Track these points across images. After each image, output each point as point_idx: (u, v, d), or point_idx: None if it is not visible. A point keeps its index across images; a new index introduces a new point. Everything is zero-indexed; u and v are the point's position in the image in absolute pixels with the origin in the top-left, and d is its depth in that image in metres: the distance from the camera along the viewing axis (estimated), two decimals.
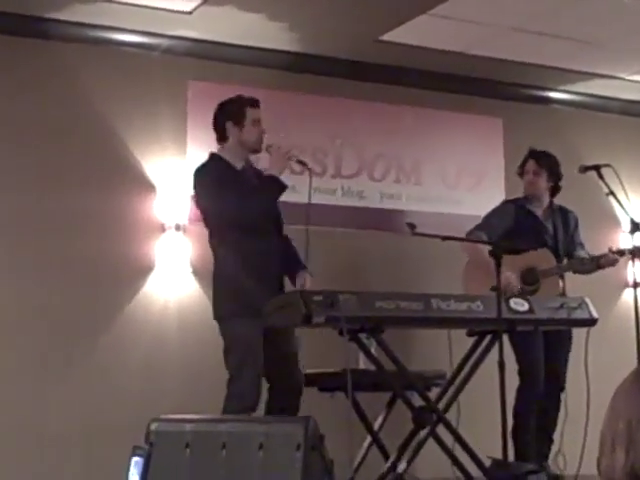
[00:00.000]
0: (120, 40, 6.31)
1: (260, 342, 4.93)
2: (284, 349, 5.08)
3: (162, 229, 6.26)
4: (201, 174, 5.17)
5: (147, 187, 6.28)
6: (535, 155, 6.10)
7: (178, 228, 6.25)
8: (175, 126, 6.39)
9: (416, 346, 6.52)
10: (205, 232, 5.81)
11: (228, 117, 5.18)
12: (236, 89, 6.22)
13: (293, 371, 5.07)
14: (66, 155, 6.10)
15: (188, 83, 6.48)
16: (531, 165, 6.08)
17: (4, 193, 5.90)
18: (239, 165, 5.17)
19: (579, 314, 5.06)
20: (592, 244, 6.26)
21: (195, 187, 5.19)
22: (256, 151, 5.21)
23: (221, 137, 5.24)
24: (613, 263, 5.88)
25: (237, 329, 4.97)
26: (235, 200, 4.93)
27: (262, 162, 5.53)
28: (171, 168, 6.33)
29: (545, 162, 6.05)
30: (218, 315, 5.09)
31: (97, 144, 6.18)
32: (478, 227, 5.95)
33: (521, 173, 6.17)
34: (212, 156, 5.26)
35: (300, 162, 5.29)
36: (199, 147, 6.38)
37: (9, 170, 5.94)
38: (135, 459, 1.97)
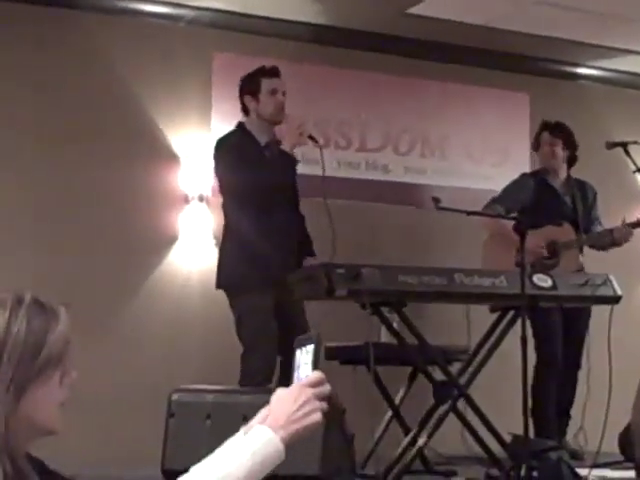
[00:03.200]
0: (145, 11, 6.29)
1: (271, 315, 4.92)
2: (295, 320, 5.05)
3: (186, 200, 6.26)
4: (222, 144, 5.16)
5: (171, 158, 6.28)
6: (548, 127, 6.07)
7: (202, 199, 6.25)
8: (200, 97, 6.38)
9: (437, 320, 6.50)
10: None
11: (245, 90, 5.17)
12: (261, 61, 6.20)
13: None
14: (91, 126, 6.10)
15: (213, 55, 6.46)
16: (546, 137, 6.04)
17: (29, 165, 5.91)
18: (263, 139, 5.14)
19: (603, 291, 5.03)
20: (616, 221, 6.20)
21: (214, 155, 5.18)
22: (276, 122, 5.15)
23: (244, 111, 5.22)
24: (627, 237, 5.77)
25: (249, 301, 4.95)
26: (250, 174, 4.90)
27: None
28: (195, 139, 6.33)
29: (559, 132, 6.01)
30: (227, 284, 5.05)
31: (122, 115, 6.18)
32: (495, 200, 5.90)
33: (536, 147, 6.13)
34: (238, 125, 5.25)
35: (311, 138, 5.18)
36: (223, 119, 6.38)
37: (35, 141, 5.95)
38: None
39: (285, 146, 5.03)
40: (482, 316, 5.08)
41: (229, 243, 5.13)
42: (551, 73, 7.45)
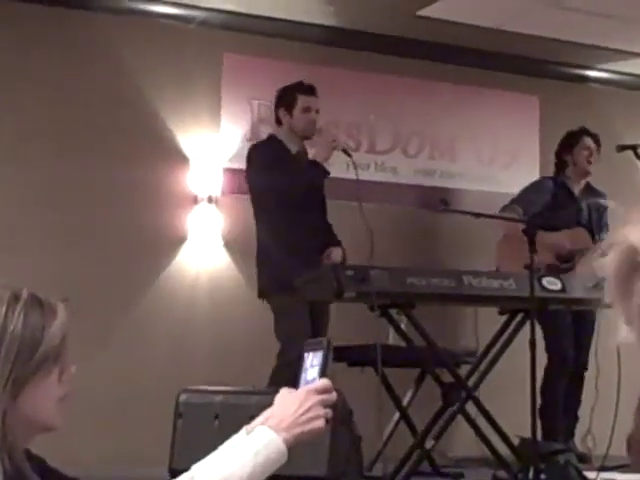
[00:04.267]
0: (156, 12, 6.30)
1: (305, 315, 5.01)
2: (319, 323, 5.14)
3: (195, 201, 6.27)
4: (254, 151, 5.33)
5: (181, 159, 6.28)
6: (592, 135, 6.11)
7: (210, 200, 6.26)
8: (209, 98, 6.39)
9: (445, 323, 6.49)
10: (237, 204, 5.85)
11: (280, 103, 5.35)
12: (272, 63, 6.24)
13: None
14: (100, 126, 6.11)
15: (223, 56, 6.46)
16: (589, 142, 6.09)
17: (39, 165, 5.92)
18: (294, 149, 5.28)
19: None
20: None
21: (247, 164, 5.33)
22: (306, 137, 5.32)
23: (277, 121, 5.39)
24: None
25: (283, 301, 5.08)
26: (282, 179, 5.05)
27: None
28: (205, 140, 6.33)
29: (598, 140, 6.07)
30: (265, 290, 5.20)
31: (132, 115, 6.19)
32: (514, 201, 5.94)
33: (569, 147, 6.11)
34: (270, 137, 5.43)
35: (345, 152, 5.34)
36: (233, 120, 6.40)
37: (45, 141, 5.96)
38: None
39: (318, 157, 5.15)
40: (491, 318, 5.08)
41: (262, 250, 5.28)
42: (561, 76, 7.44)
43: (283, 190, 5.10)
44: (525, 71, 7.28)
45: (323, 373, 1.86)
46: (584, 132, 6.17)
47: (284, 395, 1.85)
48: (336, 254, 5.27)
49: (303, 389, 1.84)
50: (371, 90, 6.86)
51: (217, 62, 6.43)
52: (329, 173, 5.30)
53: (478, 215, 4.97)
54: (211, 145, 6.32)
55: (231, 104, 6.41)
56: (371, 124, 6.86)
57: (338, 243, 5.44)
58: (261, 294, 5.30)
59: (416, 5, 6.27)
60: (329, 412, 1.84)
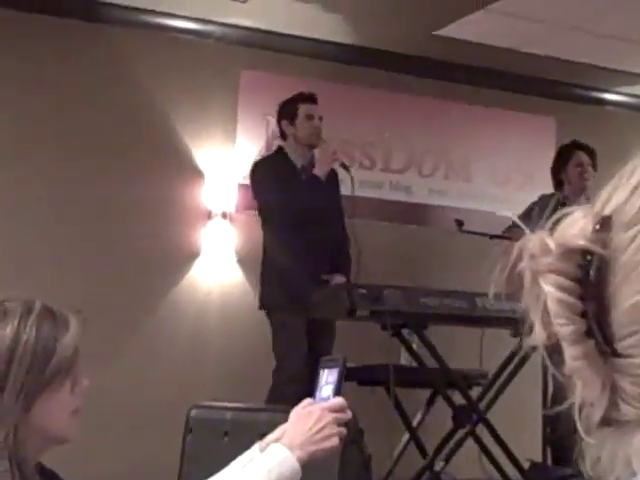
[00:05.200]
0: (174, 26, 6.31)
1: (303, 333, 4.98)
2: (321, 341, 5.12)
3: (209, 216, 6.27)
4: (258, 167, 5.37)
5: (196, 174, 6.29)
6: (584, 148, 5.99)
7: (225, 216, 6.26)
8: (226, 114, 6.39)
9: (457, 343, 6.46)
10: (251, 221, 5.85)
11: (283, 116, 5.35)
12: (288, 80, 6.24)
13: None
14: (116, 140, 6.12)
15: (240, 72, 6.47)
16: (583, 157, 5.95)
17: (52, 180, 5.92)
18: (300, 162, 5.27)
19: None
20: None
21: (251, 179, 5.38)
22: (312, 146, 5.30)
23: (282, 135, 5.40)
24: None
25: (282, 318, 5.09)
26: (285, 195, 5.04)
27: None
28: (220, 156, 6.34)
29: (593, 154, 5.96)
30: (264, 304, 5.17)
31: (148, 130, 6.20)
32: (515, 224, 5.87)
33: (563, 165, 6.03)
34: (277, 150, 5.45)
35: (343, 166, 5.34)
36: (249, 136, 6.40)
37: (60, 155, 5.97)
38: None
39: (317, 171, 5.14)
40: (499, 340, 5.06)
41: (266, 263, 5.31)
42: (578, 98, 7.43)
43: (283, 207, 5.10)
44: (542, 92, 7.27)
45: (338, 391, 1.86)
46: (576, 146, 6.04)
47: (299, 412, 1.84)
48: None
49: (318, 407, 1.83)
50: (386, 109, 6.86)
51: (234, 78, 6.44)
52: (337, 184, 5.36)
53: (493, 237, 4.96)
54: (226, 161, 6.32)
55: (247, 120, 6.42)
56: (386, 143, 6.85)
57: (346, 263, 5.39)
58: (262, 306, 5.32)
59: (433, 25, 6.28)
60: (343, 431, 1.83)
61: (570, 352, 0.83)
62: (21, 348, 1.65)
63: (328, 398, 1.86)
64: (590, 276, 0.82)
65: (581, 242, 0.82)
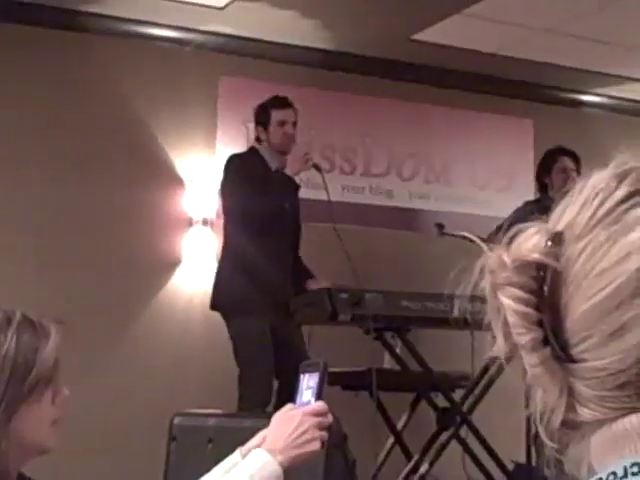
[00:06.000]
0: (153, 34, 6.31)
1: (267, 338, 4.93)
2: (292, 345, 5.07)
3: (190, 223, 6.26)
4: (232, 162, 5.27)
5: (176, 181, 6.28)
6: (569, 153, 5.99)
7: (205, 223, 6.26)
8: (205, 121, 6.39)
9: (440, 346, 6.48)
10: None
11: (257, 120, 5.29)
12: (267, 85, 6.23)
13: (296, 358, 5.05)
14: (96, 147, 6.11)
15: (220, 79, 6.47)
16: (567, 163, 5.92)
17: (33, 187, 5.91)
18: (274, 165, 5.20)
19: None
20: None
21: (224, 171, 5.27)
22: (283, 152, 5.23)
23: (257, 140, 5.34)
24: None
25: (245, 323, 4.99)
26: (256, 196, 4.98)
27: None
28: (200, 163, 6.34)
29: (577, 160, 5.97)
30: (223, 305, 5.10)
31: (127, 137, 6.19)
32: (499, 228, 5.88)
33: (547, 170, 6.04)
34: (250, 149, 5.36)
35: (315, 167, 5.30)
36: (229, 143, 6.40)
37: (40, 162, 5.96)
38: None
39: (289, 171, 5.10)
40: (487, 342, 5.07)
41: (227, 263, 5.20)
42: (555, 100, 7.47)
43: (256, 209, 5.02)
44: (519, 95, 7.30)
45: (319, 395, 1.86)
46: (560, 152, 6.02)
47: (280, 417, 1.84)
48: (315, 285, 5.18)
49: (299, 411, 1.84)
50: (366, 113, 6.87)
51: (213, 85, 6.44)
52: (299, 186, 5.28)
53: (473, 240, 4.97)
54: (206, 168, 6.32)
55: (227, 127, 6.43)
56: (366, 147, 6.86)
57: (308, 274, 5.35)
58: (216, 308, 5.20)
59: (410, 29, 6.30)
60: (325, 435, 1.84)
61: (529, 360, 0.89)
62: (1, 359, 1.65)
63: (309, 402, 1.86)
64: (544, 287, 0.87)
65: (535, 256, 0.88)
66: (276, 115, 5.22)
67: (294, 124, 5.26)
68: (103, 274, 5.99)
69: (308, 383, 1.90)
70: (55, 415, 1.75)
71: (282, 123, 5.21)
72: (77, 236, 5.98)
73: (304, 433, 1.80)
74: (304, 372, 1.92)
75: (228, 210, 5.25)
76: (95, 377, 5.68)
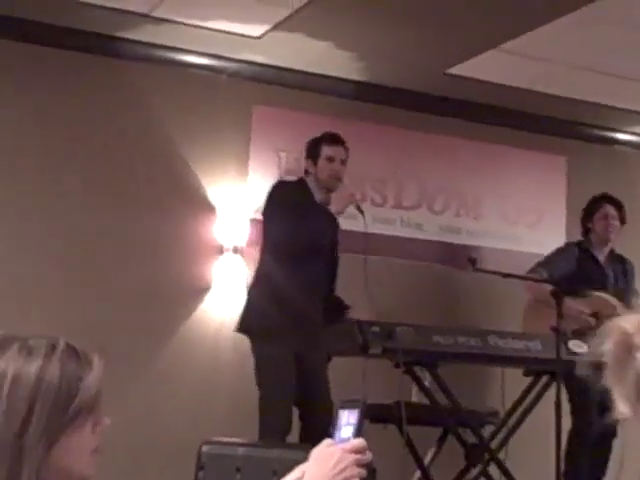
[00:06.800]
0: (188, 62, 6.34)
1: (290, 366, 4.92)
2: (314, 374, 5.07)
3: (220, 251, 6.26)
4: (279, 189, 5.31)
5: (207, 209, 6.29)
6: (612, 201, 6.10)
7: (236, 251, 6.26)
8: (238, 149, 6.41)
9: (469, 382, 6.44)
10: None
11: (307, 154, 5.32)
12: (300, 115, 6.26)
13: (324, 397, 5.05)
14: (128, 173, 6.13)
15: (253, 108, 6.49)
16: (610, 210, 6.06)
17: (65, 212, 5.93)
18: (319, 197, 5.22)
19: None
20: None
21: (268, 195, 5.30)
22: (329, 189, 5.24)
23: (305, 172, 5.36)
24: None
25: (270, 348, 4.98)
26: (296, 225, 4.99)
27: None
28: (232, 191, 6.34)
29: (620, 208, 6.06)
30: (249, 328, 5.11)
31: (161, 164, 6.21)
32: (540, 264, 5.90)
33: (590, 216, 6.11)
34: (299, 179, 5.38)
35: (358, 209, 5.29)
36: (261, 171, 6.42)
37: (72, 188, 5.97)
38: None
39: (333, 208, 5.11)
40: (518, 379, 5.04)
41: (258, 287, 5.20)
42: (589, 138, 7.45)
43: (295, 238, 5.03)
44: (553, 131, 7.29)
45: (359, 432, 1.85)
46: (604, 199, 6.14)
47: (319, 452, 1.83)
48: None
49: (338, 447, 1.82)
50: (399, 146, 6.88)
51: (246, 113, 6.46)
52: (338, 225, 5.29)
53: (507, 275, 4.95)
54: (238, 196, 6.33)
55: (259, 155, 6.44)
56: (398, 179, 6.86)
57: (343, 305, 5.33)
58: (243, 330, 5.20)
59: (446, 63, 6.30)
60: (363, 472, 1.82)
61: None
62: (45, 387, 1.64)
63: (348, 439, 1.85)
64: None
65: None
66: (326, 150, 5.24)
67: (342, 162, 5.26)
68: (133, 300, 5.99)
69: (348, 419, 1.89)
70: (95, 444, 1.74)
71: (331, 159, 5.23)
72: (108, 262, 5.99)
73: (344, 470, 1.79)
74: (344, 408, 1.91)
75: (266, 234, 5.27)
76: (124, 403, 5.67)
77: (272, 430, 4.84)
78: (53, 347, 1.70)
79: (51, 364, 1.67)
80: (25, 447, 1.61)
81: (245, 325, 5.18)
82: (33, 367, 1.65)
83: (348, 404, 1.92)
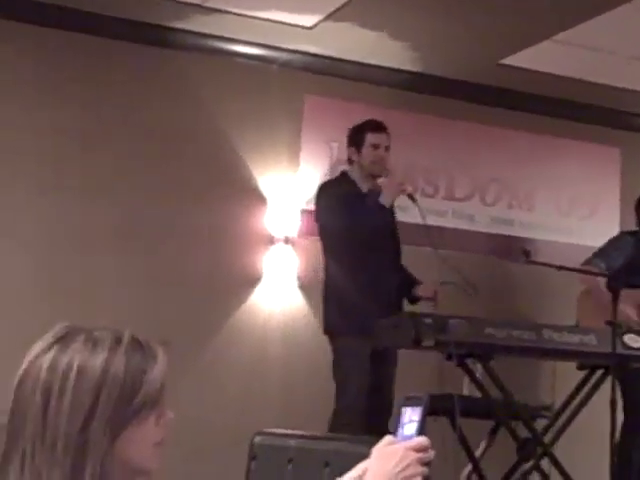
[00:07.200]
0: (239, 52, 6.34)
1: (366, 359, 4.96)
2: (383, 369, 5.10)
3: (271, 241, 6.26)
4: (324, 190, 5.34)
5: (258, 199, 6.29)
6: None
7: (287, 241, 6.25)
8: (289, 139, 6.40)
9: (519, 375, 6.39)
10: (313, 246, 5.83)
11: (350, 142, 5.34)
12: (352, 106, 6.24)
13: (382, 388, 5.08)
14: (180, 164, 6.14)
15: (304, 97, 6.48)
16: None
17: (121, 203, 5.95)
18: (365, 187, 5.23)
19: None
20: None
21: (316, 201, 5.34)
22: (375, 176, 5.25)
23: (349, 161, 5.38)
24: None
25: (345, 344, 5.05)
26: (350, 219, 5.00)
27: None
28: (283, 181, 6.34)
29: None
30: (328, 330, 5.15)
31: (212, 154, 6.22)
32: (596, 255, 5.82)
33: None
34: (341, 174, 5.41)
35: (410, 197, 5.25)
36: (312, 161, 6.41)
37: (124, 177, 6.00)
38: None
39: (383, 199, 5.09)
40: (570, 373, 4.99)
41: (330, 288, 5.25)
42: None
43: (350, 230, 5.06)
44: (607, 122, 7.20)
45: (421, 430, 1.83)
46: None
47: (382, 450, 1.81)
48: (424, 291, 5.24)
49: (402, 445, 1.80)
50: (451, 137, 6.83)
51: (298, 104, 6.45)
52: (394, 212, 5.33)
53: (560, 268, 4.89)
54: (289, 186, 6.33)
55: (310, 145, 6.43)
56: (449, 170, 6.82)
57: (414, 281, 5.39)
58: (327, 331, 5.28)
59: (499, 53, 6.25)
60: (426, 471, 1.80)
61: None
62: (110, 380, 1.64)
63: (411, 437, 1.83)
64: None
65: None
66: (370, 138, 5.24)
67: (387, 148, 5.29)
68: (184, 290, 6.01)
69: (410, 417, 1.87)
70: (159, 437, 1.74)
71: (376, 146, 5.24)
72: (159, 252, 6.00)
73: (406, 468, 1.77)
74: (406, 405, 1.89)
75: (325, 235, 5.31)
76: (174, 394, 5.68)
77: (344, 426, 4.88)
78: (118, 340, 1.70)
79: (116, 357, 1.67)
80: (89, 440, 1.61)
81: (325, 326, 5.25)
82: (98, 360, 1.65)
83: (411, 401, 1.90)
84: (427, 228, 5.09)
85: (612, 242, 5.96)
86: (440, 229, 6.68)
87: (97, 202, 5.91)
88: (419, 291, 5.29)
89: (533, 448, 4.74)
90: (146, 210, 6.00)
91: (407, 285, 5.34)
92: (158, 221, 6.02)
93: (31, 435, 1.60)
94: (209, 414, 5.87)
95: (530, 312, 6.60)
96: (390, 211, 5.27)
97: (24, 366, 1.66)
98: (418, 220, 5.21)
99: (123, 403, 1.65)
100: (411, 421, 1.85)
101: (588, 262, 5.73)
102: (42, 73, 5.89)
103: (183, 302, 6.00)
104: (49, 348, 1.65)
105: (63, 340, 1.67)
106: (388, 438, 1.84)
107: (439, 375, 4.93)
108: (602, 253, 5.84)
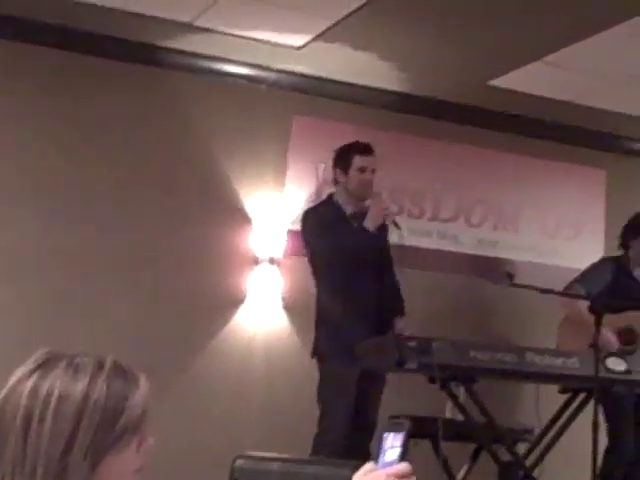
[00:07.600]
0: (228, 71, 6.34)
1: (354, 384, 4.95)
2: (370, 388, 5.09)
3: (256, 262, 6.24)
4: (308, 215, 5.36)
5: (244, 219, 6.28)
6: None
7: (272, 262, 6.24)
8: (276, 160, 6.40)
9: (501, 398, 6.40)
10: (298, 267, 5.84)
11: (337, 163, 5.33)
12: (340, 126, 6.24)
13: (367, 410, 5.08)
14: (166, 183, 6.12)
15: (293, 118, 6.48)
16: None
17: (104, 222, 5.93)
18: (350, 209, 5.24)
19: None
20: None
21: (302, 226, 5.38)
22: (361, 199, 5.25)
23: (334, 182, 5.40)
24: None
25: (331, 368, 5.06)
26: (334, 242, 5.01)
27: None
28: (269, 202, 6.33)
29: None
30: (317, 354, 5.15)
31: (198, 173, 6.21)
32: (577, 281, 5.84)
33: (633, 235, 6.00)
34: (327, 197, 5.45)
35: (395, 224, 5.28)
36: (298, 182, 6.41)
37: (110, 199, 5.97)
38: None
39: (367, 223, 5.11)
40: (553, 396, 4.99)
41: (319, 312, 5.26)
42: (629, 151, 7.39)
43: (333, 254, 5.08)
44: (593, 145, 7.23)
45: (403, 456, 1.82)
46: None
47: (362, 478, 1.81)
48: (398, 327, 5.23)
49: (383, 472, 1.80)
50: (438, 157, 6.85)
51: (286, 124, 6.45)
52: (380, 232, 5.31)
53: (544, 291, 4.90)
54: (274, 206, 6.32)
55: (297, 166, 6.43)
56: (435, 191, 6.83)
57: (400, 310, 5.37)
58: (315, 355, 5.27)
59: (488, 75, 6.27)
60: None
61: None
62: (91, 406, 1.64)
63: (392, 463, 1.83)
64: None
65: None
66: (358, 161, 5.26)
67: (373, 171, 5.31)
68: (167, 311, 5.99)
69: (393, 442, 1.86)
70: (139, 464, 1.73)
71: (362, 169, 5.26)
72: (143, 272, 5.98)
73: None
74: (389, 431, 1.88)
75: (312, 259, 5.32)
76: (155, 415, 5.67)
77: (327, 448, 4.87)
78: (100, 365, 1.69)
79: (98, 383, 1.66)
80: (69, 466, 1.61)
81: (318, 352, 5.24)
82: (80, 386, 1.64)
83: (393, 427, 1.89)
84: (403, 248, 5.13)
85: (593, 268, 5.98)
86: (424, 250, 6.70)
87: (82, 221, 5.88)
88: (397, 323, 5.26)
89: (514, 472, 4.74)
90: (130, 229, 5.98)
91: (393, 308, 5.33)
92: (143, 240, 6.00)
93: (11, 460, 1.59)
94: (191, 435, 5.85)
95: (511, 334, 6.61)
96: (378, 233, 5.27)
97: (5, 392, 1.65)
98: (394, 240, 5.28)
99: (104, 429, 1.64)
100: (393, 447, 1.84)
101: (569, 287, 5.75)
102: (32, 92, 5.87)
103: (167, 321, 5.98)
104: (30, 374, 1.65)
105: (44, 366, 1.66)
106: (368, 465, 1.84)
107: (422, 398, 4.94)
108: (583, 278, 5.86)
